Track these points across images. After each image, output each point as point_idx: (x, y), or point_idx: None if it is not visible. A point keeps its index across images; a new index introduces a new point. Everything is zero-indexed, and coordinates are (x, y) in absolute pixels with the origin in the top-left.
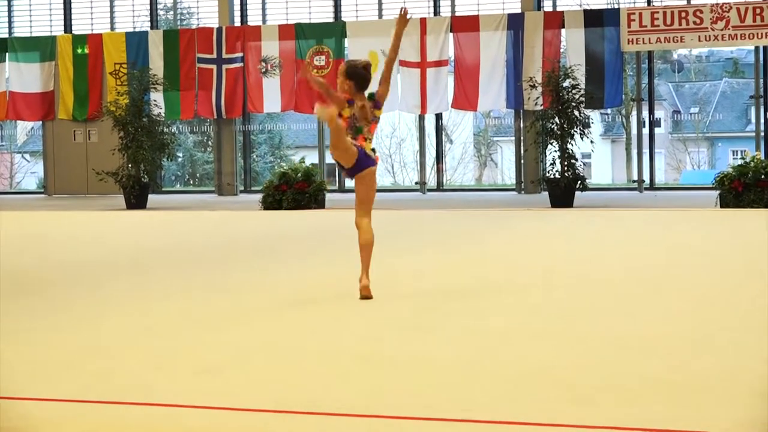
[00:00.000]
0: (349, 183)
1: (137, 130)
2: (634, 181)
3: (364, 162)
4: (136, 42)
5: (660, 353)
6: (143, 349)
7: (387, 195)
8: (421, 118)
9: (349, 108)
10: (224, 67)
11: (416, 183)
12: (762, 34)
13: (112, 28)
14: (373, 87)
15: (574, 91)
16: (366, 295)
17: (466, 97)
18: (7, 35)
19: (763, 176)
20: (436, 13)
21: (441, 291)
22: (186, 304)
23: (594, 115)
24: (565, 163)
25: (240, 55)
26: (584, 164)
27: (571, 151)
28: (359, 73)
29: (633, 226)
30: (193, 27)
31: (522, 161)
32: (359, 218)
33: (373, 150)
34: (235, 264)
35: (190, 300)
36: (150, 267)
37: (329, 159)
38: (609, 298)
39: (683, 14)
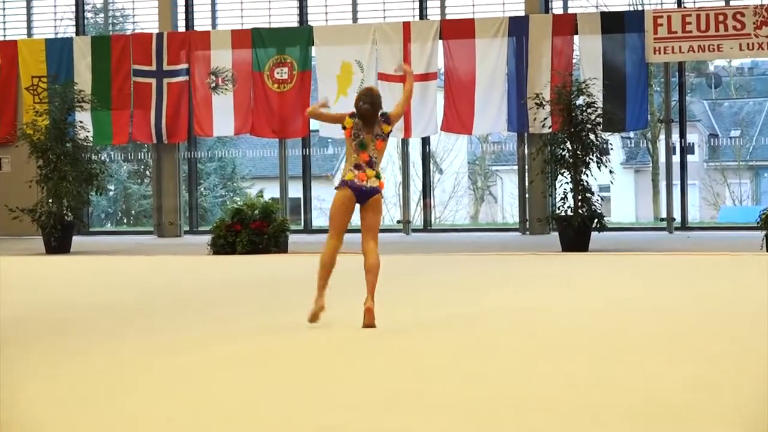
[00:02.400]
0: (317, 222)
1: (59, 158)
2: (662, 220)
3: (366, 194)
4: (59, 50)
5: (672, 427)
6: (71, 418)
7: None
8: (405, 143)
9: (352, 119)
10: (165, 81)
11: (398, 222)
12: None
13: (29, 34)
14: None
15: (589, 111)
16: (369, 322)
17: (458, 118)
18: None
19: None
20: (423, 16)
21: (427, 353)
22: (116, 367)
23: (614, 140)
24: (579, 197)
25: (185, 66)
26: (602, 199)
27: (586, 183)
28: (358, 110)
29: (661, 274)
30: (128, 33)
31: (527, 195)
32: (365, 243)
33: (378, 176)
34: (178, 319)
35: (122, 362)
36: (72, 324)
37: (293, 192)
38: (624, 364)
39: (721, 17)
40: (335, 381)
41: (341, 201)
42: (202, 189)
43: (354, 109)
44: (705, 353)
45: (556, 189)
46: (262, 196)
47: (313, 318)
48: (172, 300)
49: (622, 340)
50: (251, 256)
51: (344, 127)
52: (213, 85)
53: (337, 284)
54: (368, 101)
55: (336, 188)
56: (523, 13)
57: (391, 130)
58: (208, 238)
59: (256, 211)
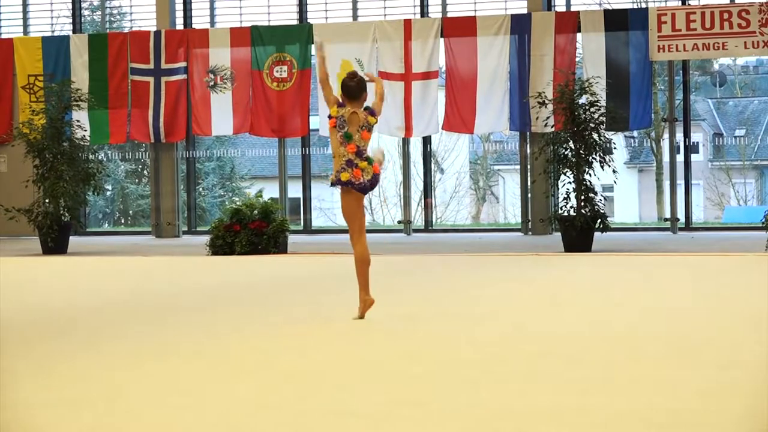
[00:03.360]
0: (317, 222)
1: (56, 158)
2: (666, 220)
3: (368, 188)
4: (55, 49)
5: None
6: (67, 421)
7: None
8: (406, 142)
9: (340, 108)
10: (163, 79)
11: (399, 222)
12: None
13: (26, 32)
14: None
15: (592, 110)
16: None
17: (460, 117)
18: None
19: None
20: (424, 13)
21: (427, 358)
22: (114, 369)
23: (617, 139)
24: (582, 197)
25: (183, 65)
26: (605, 199)
27: (589, 183)
28: (345, 85)
29: (665, 275)
30: (126, 30)
31: (529, 195)
32: (352, 238)
33: (368, 161)
34: (176, 321)
35: (120, 364)
36: (69, 326)
37: (292, 192)
38: (630, 370)
39: (726, 15)
40: (335, 387)
41: (353, 201)
42: (201, 189)
43: (340, 98)
44: (714, 358)
45: (558, 189)
46: (261, 196)
47: (363, 315)
48: (170, 301)
49: (627, 345)
50: (250, 257)
51: (330, 116)
52: (211, 83)
53: (336, 287)
54: (355, 79)
55: (333, 185)
56: (525, 11)
57: (376, 122)
58: (206, 238)
59: (255, 212)
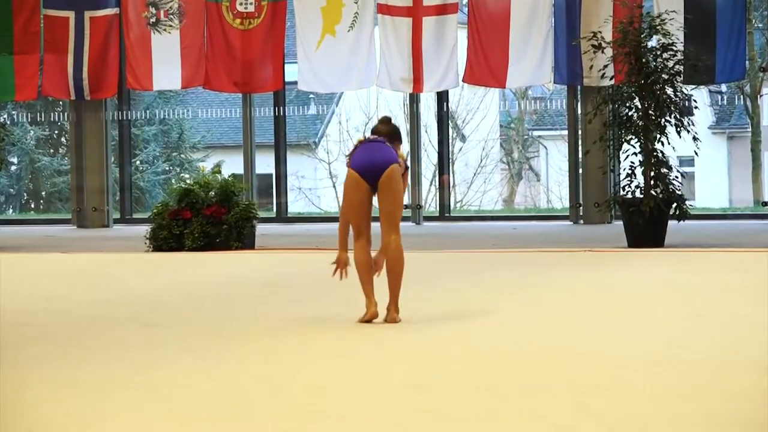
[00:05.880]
0: (293, 208)
1: None
2: (764, 204)
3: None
4: None
5: None
6: None
7: None
8: (414, 99)
9: None
10: (87, 15)
11: (406, 207)
12: None
13: None
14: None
15: (666, 56)
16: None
17: (487, 66)
18: None
19: None
20: None
21: (442, 392)
22: (19, 406)
23: (699, 95)
24: (652, 173)
25: None
26: (683, 176)
27: (661, 155)
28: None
29: (762, 278)
30: None
31: (580, 171)
32: (384, 235)
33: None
34: (104, 341)
35: (28, 397)
36: None
37: (261, 167)
38: (715, 408)
39: None
40: (320, 425)
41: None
42: (138, 162)
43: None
44: None
45: (620, 162)
46: (219, 172)
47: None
48: (98, 314)
49: (709, 372)
50: (204, 254)
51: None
52: (152, 20)
53: (320, 293)
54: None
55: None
56: None
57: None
58: (146, 228)
59: (212, 193)
